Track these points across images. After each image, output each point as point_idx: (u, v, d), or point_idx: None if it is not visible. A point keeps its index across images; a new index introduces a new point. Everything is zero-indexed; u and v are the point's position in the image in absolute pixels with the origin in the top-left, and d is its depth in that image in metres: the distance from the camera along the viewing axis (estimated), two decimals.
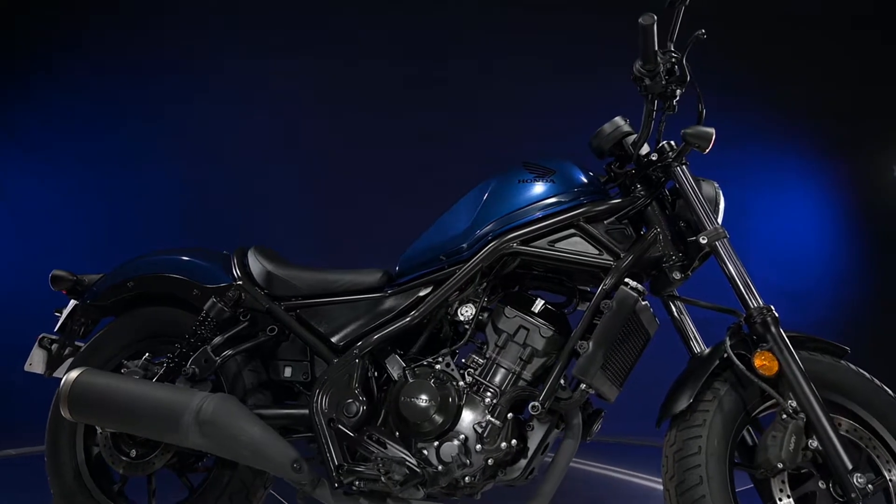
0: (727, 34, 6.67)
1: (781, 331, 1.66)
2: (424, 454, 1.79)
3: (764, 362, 1.63)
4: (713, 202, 1.83)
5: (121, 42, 5.88)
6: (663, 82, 1.77)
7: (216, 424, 1.84)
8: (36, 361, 2.26)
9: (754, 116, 6.73)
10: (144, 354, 2.14)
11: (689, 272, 1.83)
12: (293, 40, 6.08)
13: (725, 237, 1.76)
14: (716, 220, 1.79)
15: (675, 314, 1.91)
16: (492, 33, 6.30)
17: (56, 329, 2.27)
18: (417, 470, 1.75)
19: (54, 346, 2.25)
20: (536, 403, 1.74)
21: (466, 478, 1.76)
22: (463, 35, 6.23)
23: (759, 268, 6.63)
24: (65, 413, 1.95)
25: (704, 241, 1.75)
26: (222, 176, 5.96)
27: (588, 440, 1.85)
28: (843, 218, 7.13)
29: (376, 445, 1.82)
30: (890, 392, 1.66)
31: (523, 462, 1.80)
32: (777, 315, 1.67)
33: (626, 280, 1.75)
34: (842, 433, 1.61)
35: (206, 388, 2.05)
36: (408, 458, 1.77)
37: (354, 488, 1.84)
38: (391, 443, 1.82)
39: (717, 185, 1.86)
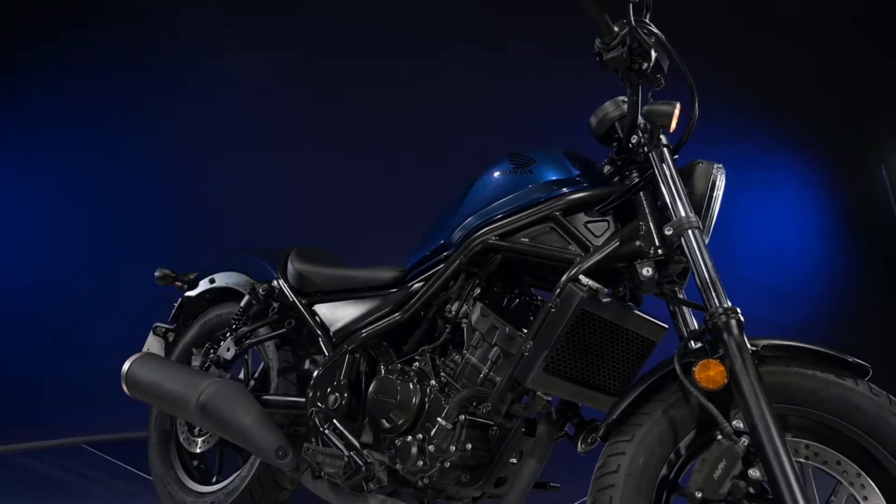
0: (719, 33, 6.74)
1: (744, 338, 1.39)
2: (389, 451, 1.76)
3: (708, 373, 1.37)
4: (702, 188, 1.62)
5: (110, 40, 5.86)
6: (624, 56, 1.57)
7: (212, 408, 2.01)
8: (154, 349, 2.53)
9: (742, 116, 6.78)
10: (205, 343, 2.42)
11: (668, 269, 1.61)
12: (289, 38, 6.09)
13: (696, 227, 1.52)
14: (691, 208, 1.55)
15: (674, 315, 1.68)
16: (492, 31, 6.33)
17: (169, 319, 2.60)
18: (355, 465, 1.80)
19: (169, 335, 2.57)
20: (484, 406, 1.65)
21: (424, 479, 1.70)
22: (463, 34, 6.26)
23: (747, 267, 6.76)
24: (126, 391, 2.25)
25: (670, 232, 1.53)
26: (217, 174, 5.96)
27: (583, 452, 1.64)
28: (832, 217, 7.18)
29: (333, 437, 1.91)
30: None
31: (487, 470, 1.70)
32: (742, 319, 1.41)
33: (580, 277, 1.54)
34: (812, 463, 1.34)
35: (228, 374, 2.31)
36: (351, 453, 1.82)
37: (324, 475, 1.93)
38: (349, 435, 1.88)
39: (718, 167, 1.66)
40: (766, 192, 6.96)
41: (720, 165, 1.68)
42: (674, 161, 1.61)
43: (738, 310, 1.43)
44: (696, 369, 1.37)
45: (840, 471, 1.33)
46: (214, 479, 2.42)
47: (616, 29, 1.56)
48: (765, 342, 1.40)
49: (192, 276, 2.58)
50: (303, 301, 2.20)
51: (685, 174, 1.64)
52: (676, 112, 1.57)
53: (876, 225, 7.04)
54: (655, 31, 1.61)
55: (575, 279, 1.54)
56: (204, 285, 2.50)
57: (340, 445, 1.89)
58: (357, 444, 1.87)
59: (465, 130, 5.83)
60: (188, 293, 2.55)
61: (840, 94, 6.93)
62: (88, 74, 5.81)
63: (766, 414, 1.30)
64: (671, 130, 1.59)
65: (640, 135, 1.64)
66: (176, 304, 2.60)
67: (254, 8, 6.12)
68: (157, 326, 2.54)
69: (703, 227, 1.58)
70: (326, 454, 1.89)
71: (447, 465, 1.66)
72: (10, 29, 5.69)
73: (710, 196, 1.63)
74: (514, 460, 1.74)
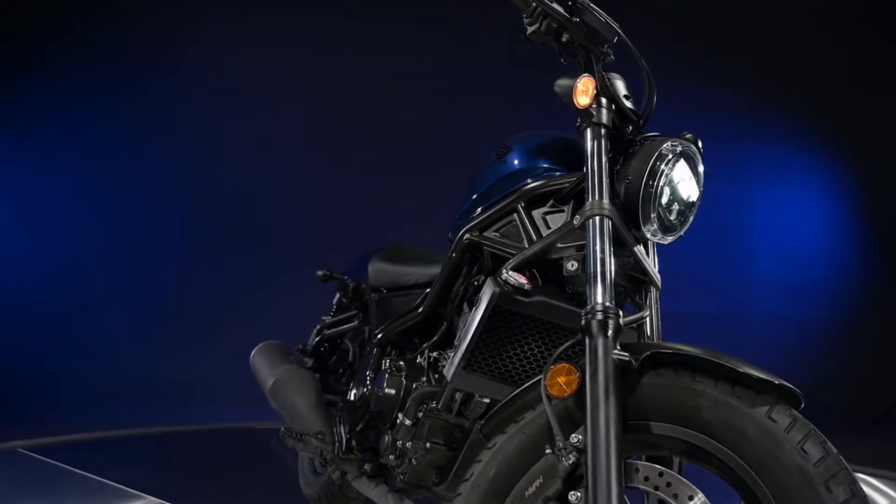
0: (731, 30, 6.68)
1: (608, 340, 1.18)
2: (381, 443, 1.84)
3: (558, 379, 1.19)
4: (639, 170, 1.37)
5: (120, 38, 5.88)
6: (542, 28, 1.40)
7: (276, 391, 2.18)
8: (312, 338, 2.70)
9: (758, 113, 6.72)
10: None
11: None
12: (294, 38, 6.08)
13: (605, 215, 1.31)
14: (609, 193, 1.34)
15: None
16: (492, 27, 6.29)
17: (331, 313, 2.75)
18: (335, 452, 1.95)
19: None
20: (436, 405, 1.64)
21: (402, 475, 1.72)
22: (463, 31, 6.22)
23: (766, 264, 6.70)
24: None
25: (577, 221, 1.37)
26: (225, 171, 5.97)
27: None
28: (848, 213, 7.12)
29: (338, 424, 2.03)
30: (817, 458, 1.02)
31: (451, 471, 1.64)
32: (619, 322, 1.21)
33: (504, 272, 1.44)
34: (659, 494, 1.14)
35: (309, 362, 2.51)
36: (332, 439, 1.96)
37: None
38: (345, 424, 1.99)
39: (676, 144, 1.38)
40: (784, 189, 6.91)
41: (684, 143, 1.40)
42: (632, 139, 1.42)
43: (619, 312, 1.22)
44: (549, 374, 1.20)
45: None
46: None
47: (533, 4, 1.40)
48: (655, 349, 1.16)
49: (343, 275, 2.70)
50: (375, 297, 2.23)
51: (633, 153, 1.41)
52: (578, 86, 1.37)
53: (894, 220, 6.96)
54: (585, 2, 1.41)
55: (497, 275, 1.45)
56: (342, 284, 2.64)
57: (342, 433, 1.99)
58: (344, 434, 1.98)
59: (492, 123, 5.76)
60: (339, 294, 2.69)
61: (858, 91, 6.86)
62: (106, 72, 5.84)
63: (603, 430, 1.11)
64: (580, 107, 1.37)
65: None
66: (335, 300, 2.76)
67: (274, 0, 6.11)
68: (324, 319, 2.68)
69: (645, 215, 1.35)
70: (317, 433, 2.03)
71: (414, 462, 1.67)
72: (26, 24, 5.72)
73: (652, 179, 1.35)
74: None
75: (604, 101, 1.39)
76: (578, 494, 1.14)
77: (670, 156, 1.36)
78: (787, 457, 1.01)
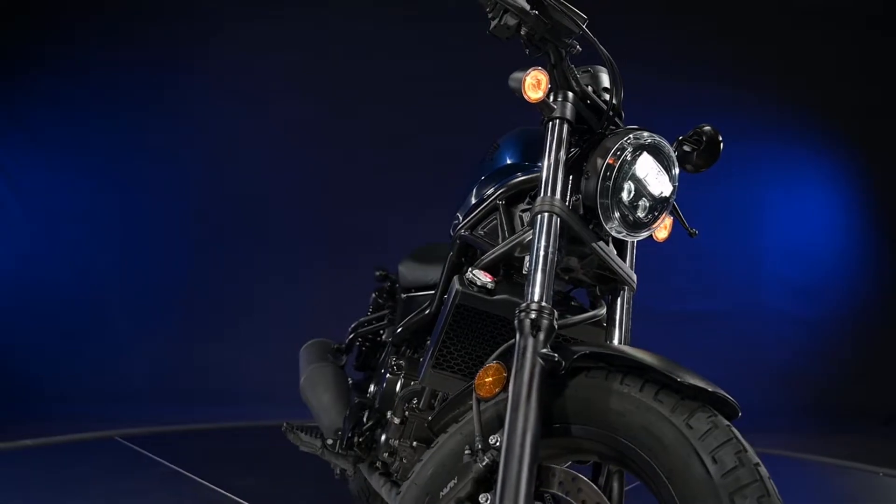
0: (745, 30, 6.65)
1: (535, 341, 1.13)
2: (379, 441, 1.84)
3: (486, 379, 1.16)
4: (597, 165, 1.29)
5: (130, 37, 5.89)
6: (502, 22, 1.32)
7: (305, 387, 2.25)
8: None
9: (769, 111, 6.69)
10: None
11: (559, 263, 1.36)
12: (303, 38, 6.08)
13: (554, 212, 1.24)
14: (557, 189, 1.27)
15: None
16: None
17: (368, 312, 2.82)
18: (331, 442, 1.99)
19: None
20: (418, 405, 1.64)
21: (395, 473, 1.74)
22: (477, 28, 6.22)
23: (776, 262, 6.67)
24: None
25: (528, 217, 1.32)
26: (234, 170, 5.97)
27: None
28: (860, 213, 7.07)
29: (346, 422, 2.05)
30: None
31: None
32: (552, 322, 1.15)
33: (467, 269, 1.43)
34: (570, 500, 1.11)
35: (344, 359, 2.53)
36: (332, 434, 1.98)
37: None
38: (350, 421, 1.99)
39: (639, 136, 1.29)
40: (797, 188, 6.87)
41: (655, 136, 1.31)
42: (602, 133, 1.34)
43: (554, 312, 1.16)
44: (479, 374, 1.16)
45: None
46: None
47: None
48: (586, 350, 1.11)
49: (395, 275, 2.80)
50: (403, 297, 2.24)
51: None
52: (527, 79, 1.30)
53: None
54: None
55: (462, 274, 1.44)
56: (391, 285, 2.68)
57: (347, 430, 2.00)
58: (346, 431, 1.98)
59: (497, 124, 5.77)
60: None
61: (868, 90, 6.81)
62: (115, 71, 5.85)
63: (520, 432, 1.06)
64: (532, 101, 1.31)
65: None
66: None
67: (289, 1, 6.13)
68: None
69: (604, 211, 1.27)
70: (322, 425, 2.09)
71: (405, 461, 1.67)
72: (38, 23, 5.76)
73: (610, 173, 1.26)
74: None
75: (570, 95, 1.33)
76: (489, 496, 1.10)
77: (630, 149, 1.27)
78: (697, 465, 0.94)
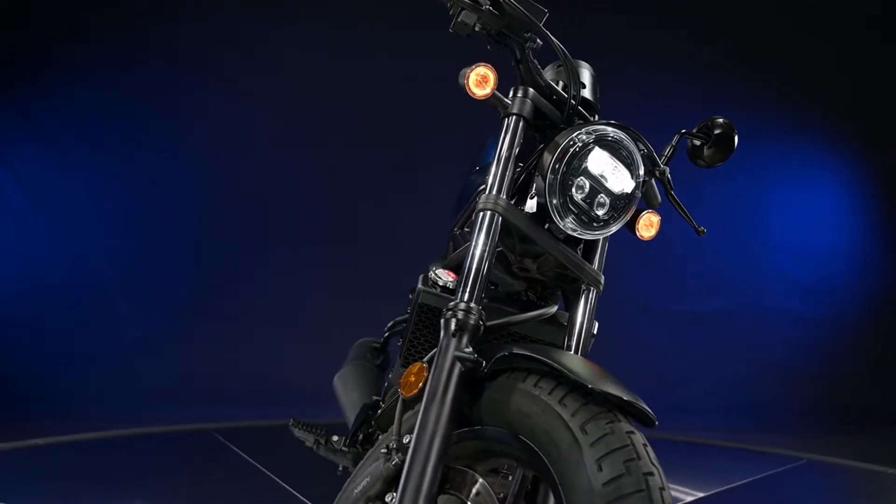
0: (749, 30, 6.63)
1: (456, 340, 1.12)
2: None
3: (408, 378, 1.16)
4: (546, 161, 1.24)
5: (137, 37, 5.90)
6: (459, 19, 1.28)
7: (337, 385, 2.22)
8: None
9: (775, 111, 6.66)
10: None
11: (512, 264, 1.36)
12: (308, 38, 6.08)
13: (496, 212, 1.21)
14: (504, 187, 1.24)
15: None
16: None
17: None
18: (337, 438, 1.99)
19: None
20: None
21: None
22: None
23: (783, 262, 6.65)
24: None
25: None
26: (239, 170, 5.98)
27: None
28: (867, 212, 7.04)
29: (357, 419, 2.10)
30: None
31: None
32: (478, 322, 1.14)
33: (430, 268, 1.43)
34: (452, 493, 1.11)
35: (379, 358, 2.50)
36: (344, 432, 1.97)
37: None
38: (360, 414, 2.00)
39: (596, 130, 1.24)
40: (804, 187, 6.84)
41: (615, 131, 1.25)
42: (562, 128, 1.30)
43: (482, 311, 1.15)
44: (405, 372, 1.17)
45: None
46: None
47: None
48: (509, 351, 1.09)
49: None
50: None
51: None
52: (472, 75, 1.26)
53: None
54: None
55: (426, 273, 1.43)
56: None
57: (355, 427, 2.01)
58: (352, 428, 2.00)
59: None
60: None
61: (874, 89, 6.78)
62: (122, 71, 5.85)
63: (429, 432, 1.06)
64: (477, 98, 1.27)
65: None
66: None
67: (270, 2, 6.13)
68: None
69: (554, 209, 1.22)
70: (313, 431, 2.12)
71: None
72: (47, 23, 5.77)
73: (558, 167, 1.21)
74: None
75: (530, 91, 1.29)
76: (395, 495, 1.09)
77: (579, 144, 1.22)
78: (583, 472, 0.92)
